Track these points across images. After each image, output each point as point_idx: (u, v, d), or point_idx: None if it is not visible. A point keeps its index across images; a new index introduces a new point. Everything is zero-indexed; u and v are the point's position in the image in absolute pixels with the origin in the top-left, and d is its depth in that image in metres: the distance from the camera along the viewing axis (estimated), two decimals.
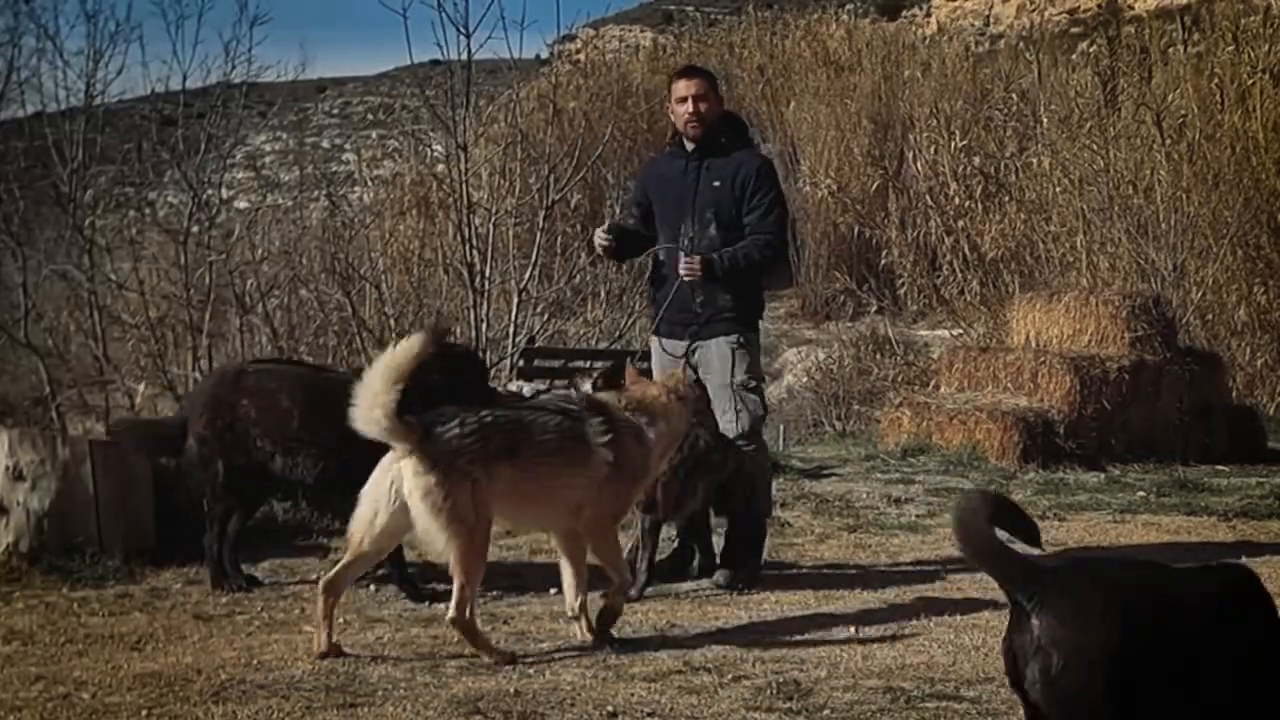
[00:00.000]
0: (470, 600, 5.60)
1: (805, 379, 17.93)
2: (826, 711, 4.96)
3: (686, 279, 7.28)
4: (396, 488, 5.54)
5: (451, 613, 5.59)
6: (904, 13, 48.53)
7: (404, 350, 5.53)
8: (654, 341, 7.62)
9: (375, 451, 6.77)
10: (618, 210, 16.53)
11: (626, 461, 5.98)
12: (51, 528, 7.21)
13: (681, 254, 7.35)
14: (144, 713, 4.91)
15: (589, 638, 5.97)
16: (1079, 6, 45.01)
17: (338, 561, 5.88)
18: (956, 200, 21.61)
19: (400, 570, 6.94)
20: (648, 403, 6.16)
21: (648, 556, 7.11)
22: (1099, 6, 43.22)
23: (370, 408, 5.45)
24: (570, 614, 6.05)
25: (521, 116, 15.36)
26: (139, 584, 7.06)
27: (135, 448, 7.47)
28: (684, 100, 7.49)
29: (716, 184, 7.43)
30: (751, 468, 7.38)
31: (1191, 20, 23.18)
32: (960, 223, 20.83)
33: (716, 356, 7.33)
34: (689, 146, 7.55)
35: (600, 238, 7.66)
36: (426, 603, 6.66)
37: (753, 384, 7.42)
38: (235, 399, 7.03)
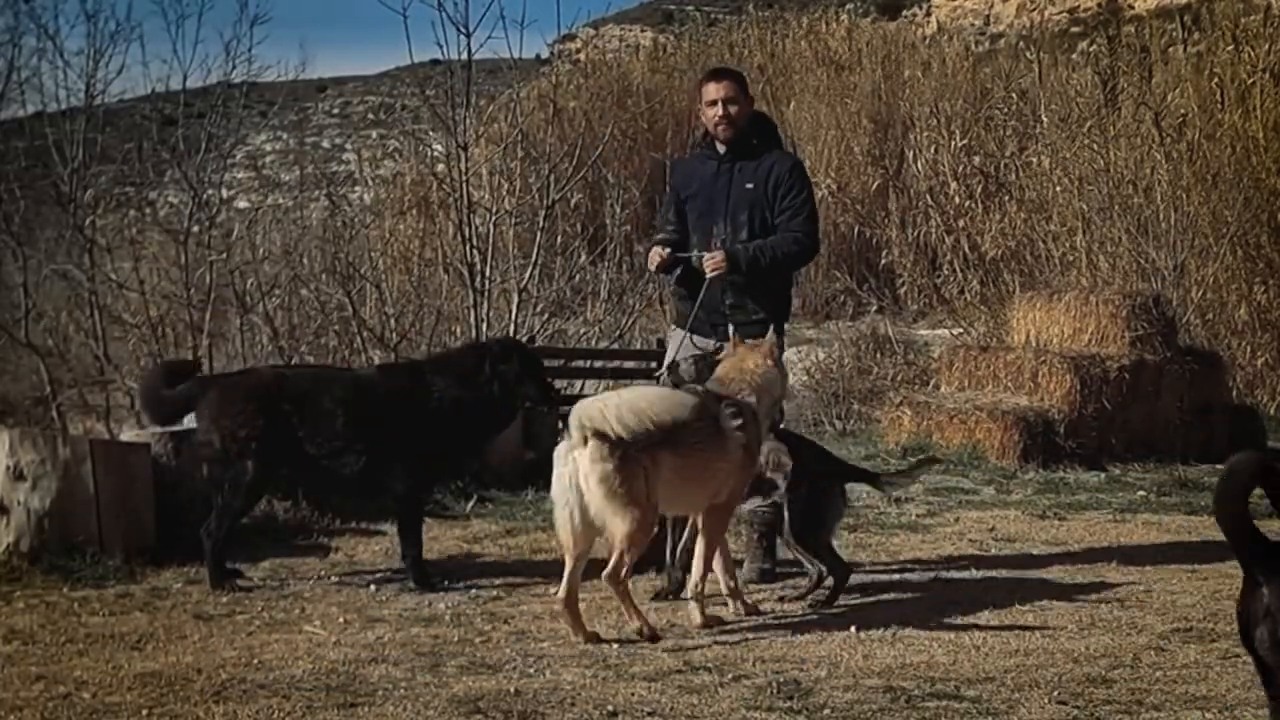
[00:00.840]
0: (628, 567, 5.92)
1: (805, 378, 17.87)
2: (827, 711, 4.96)
3: (711, 273, 7.30)
4: (576, 480, 5.88)
5: (607, 570, 5.89)
6: (904, 12, 48.55)
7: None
8: (679, 336, 7.59)
9: (405, 448, 7.01)
10: (618, 210, 16.53)
11: (751, 441, 6.35)
12: (52, 527, 7.21)
13: (704, 252, 7.39)
14: (144, 712, 4.91)
15: (741, 612, 6.42)
16: (1079, 6, 45.02)
17: (564, 571, 6.06)
18: (957, 200, 21.59)
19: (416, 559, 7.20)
20: (750, 376, 6.47)
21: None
22: (1099, 6, 43.24)
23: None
24: (726, 591, 6.46)
25: (522, 116, 15.31)
26: (139, 583, 7.06)
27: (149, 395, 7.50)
28: (714, 104, 7.50)
29: (749, 186, 7.45)
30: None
31: (1192, 20, 23.18)
32: (960, 222, 20.82)
33: None
34: (720, 149, 7.56)
35: (657, 255, 7.50)
36: (440, 592, 6.86)
37: None
38: (278, 402, 7.16)
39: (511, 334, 11.96)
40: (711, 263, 7.31)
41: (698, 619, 6.31)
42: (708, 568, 6.40)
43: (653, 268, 7.60)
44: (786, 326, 7.84)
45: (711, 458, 6.22)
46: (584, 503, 5.88)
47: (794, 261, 7.61)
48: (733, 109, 7.48)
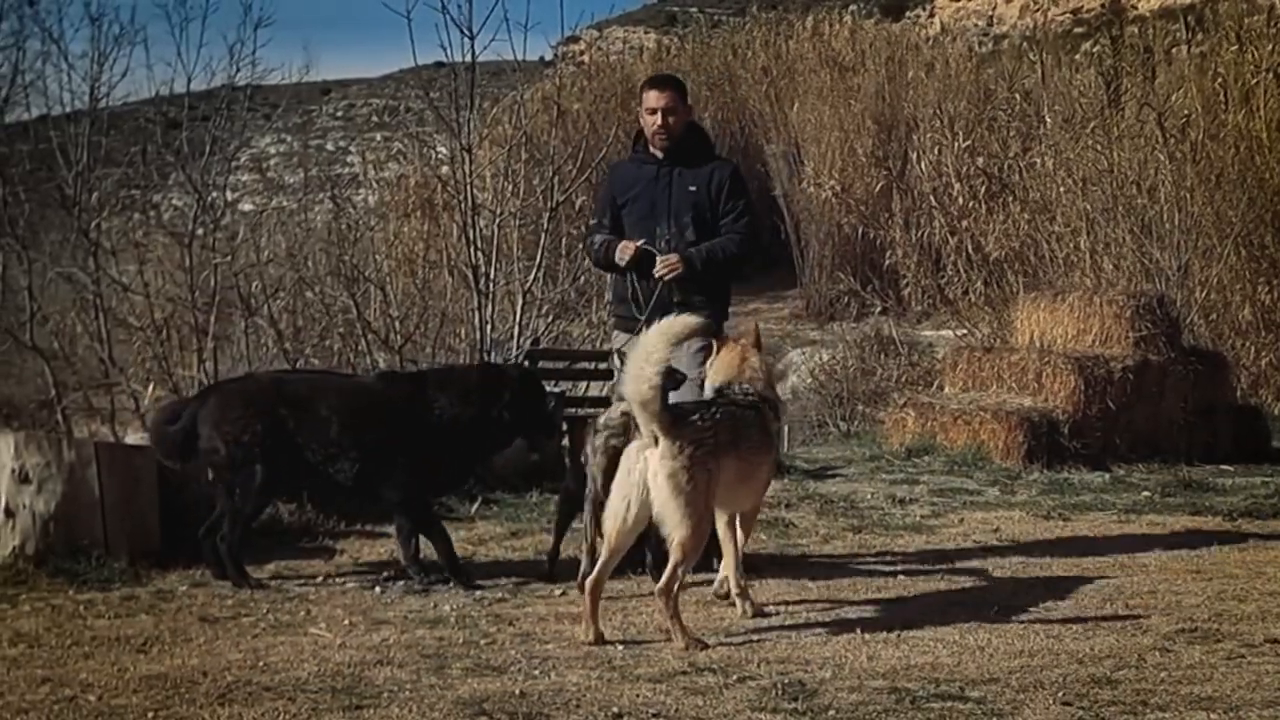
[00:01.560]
0: (680, 579, 6.00)
1: (810, 380, 17.92)
2: (831, 712, 4.96)
3: (668, 277, 7.47)
4: (644, 478, 5.96)
5: (661, 583, 5.98)
6: (908, 13, 48.58)
7: (676, 326, 6.07)
8: (624, 340, 7.64)
9: (400, 454, 7.04)
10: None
11: (779, 438, 6.73)
12: (57, 530, 7.22)
13: (657, 253, 7.52)
14: (150, 715, 4.91)
15: (749, 612, 6.53)
16: (1082, 6, 45.01)
17: (595, 560, 6.25)
18: (960, 200, 21.61)
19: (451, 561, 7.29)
20: (762, 372, 6.67)
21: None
22: (1102, 6, 43.21)
23: (641, 382, 5.88)
24: (736, 592, 6.59)
25: (526, 118, 15.32)
26: (145, 586, 7.07)
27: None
28: (654, 112, 7.67)
29: (692, 188, 7.64)
30: None
31: (1195, 20, 23.16)
32: (964, 223, 20.84)
33: (688, 353, 7.38)
34: (658, 154, 7.71)
35: (623, 254, 7.60)
36: (476, 592, 7.04)
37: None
38: (276, 405, 7.22)
39: (516, 336, 11.98)
40: (667, 266, 7.48)
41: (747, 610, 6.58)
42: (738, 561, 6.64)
43: (623, 261, 7.61)
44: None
45: (762, 459, 6.46)
46: (645, 500, 5.95)
47: (740, 261, 7.74)
48: (671, 119, 7.65)
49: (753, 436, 6.35)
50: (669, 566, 5.95)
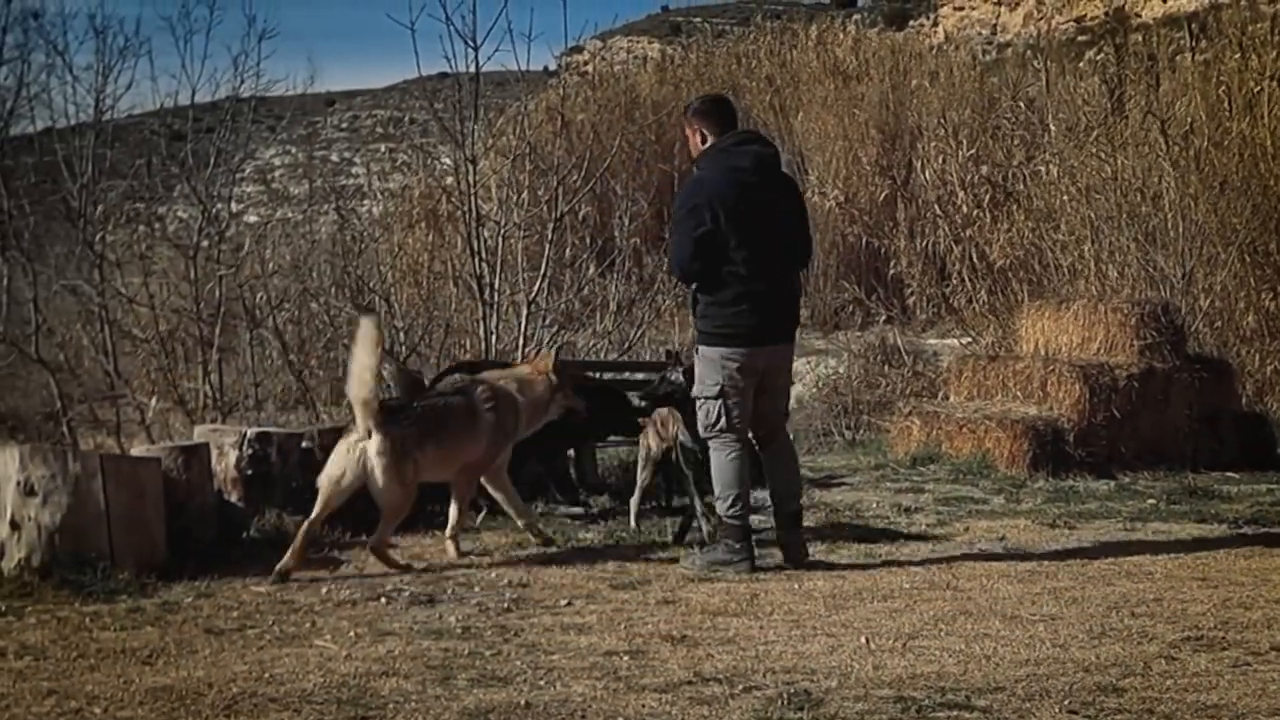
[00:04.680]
0: (387, 535, 7.75)
1: (814, 389, 17.92)
2: None
3: None
4: (362, 461, 7.48)
5: (373, 540, 7.71)
6: (911, 22, 48.64)
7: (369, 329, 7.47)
8: None
9: None
10: (627, 222, 16.62)
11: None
12: (63, 542, 7.22)
13: None
14: None
15: (453, 554, 8.08)
16: (1086, 14, 45.05)
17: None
18: (965, 209, 21.62)
19: None
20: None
21: None
22: (1106, 14, 43.24)
23: (361, 385, 7.39)
24: (449, 536, 8.18)
25: (530, 128, 15.38)
26: (150, 598, 7.07)
27: None
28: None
29: None
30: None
31: (1199, 27, 23.20)
32: (968, 231, 20.84)
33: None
34: None
35: None
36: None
37: (698, 396, 7.94)
38: None
39: (520, 346, 11.99)
40: None
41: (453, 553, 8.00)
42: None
43: None
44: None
45: (465, 439, 7.87)
46: (361, 475, 7.49)
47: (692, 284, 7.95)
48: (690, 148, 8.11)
49: (457, 422, 7.77)
50: (379, 526, 7.61)
